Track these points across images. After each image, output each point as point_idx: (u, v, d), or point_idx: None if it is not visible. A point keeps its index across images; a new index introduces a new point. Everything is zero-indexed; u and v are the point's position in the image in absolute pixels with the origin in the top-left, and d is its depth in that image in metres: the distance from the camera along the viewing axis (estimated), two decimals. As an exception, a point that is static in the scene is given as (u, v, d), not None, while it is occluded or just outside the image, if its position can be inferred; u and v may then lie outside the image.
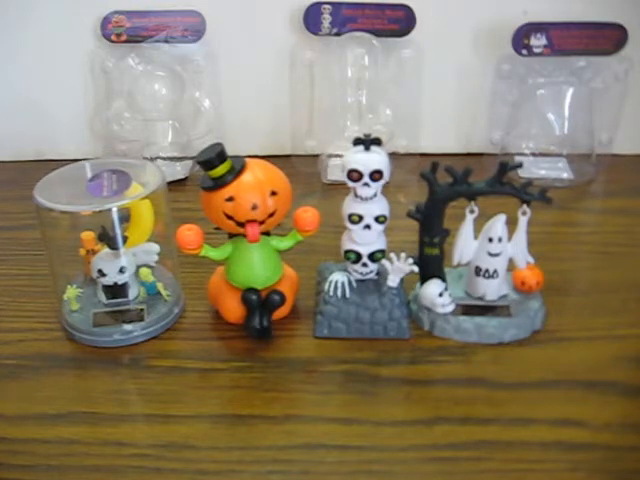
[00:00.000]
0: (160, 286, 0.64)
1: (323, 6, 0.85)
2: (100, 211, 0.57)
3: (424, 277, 0.61)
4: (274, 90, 0.91)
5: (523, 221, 0.59)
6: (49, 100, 0.92)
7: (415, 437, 0.51)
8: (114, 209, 0.57)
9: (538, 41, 0.84)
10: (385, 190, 0.59)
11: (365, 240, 0.60)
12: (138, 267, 0.64)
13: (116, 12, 0.87)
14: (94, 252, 0.63)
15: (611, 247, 0.74)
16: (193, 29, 0.87)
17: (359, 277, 0.62)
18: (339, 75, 0.87)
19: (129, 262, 0.62)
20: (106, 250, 0.61)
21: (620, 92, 0.87)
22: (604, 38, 0.83)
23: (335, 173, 0.87)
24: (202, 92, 0.91)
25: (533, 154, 0.90)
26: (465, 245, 0.60)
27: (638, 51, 0.84)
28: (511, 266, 0.61)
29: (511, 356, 0.58)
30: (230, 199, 0.56)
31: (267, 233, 0.60)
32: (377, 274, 0.62)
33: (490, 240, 0.59)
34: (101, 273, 0.62)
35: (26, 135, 0.95)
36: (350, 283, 0.62)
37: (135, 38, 0.87)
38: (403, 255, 0.59)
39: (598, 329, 0.61)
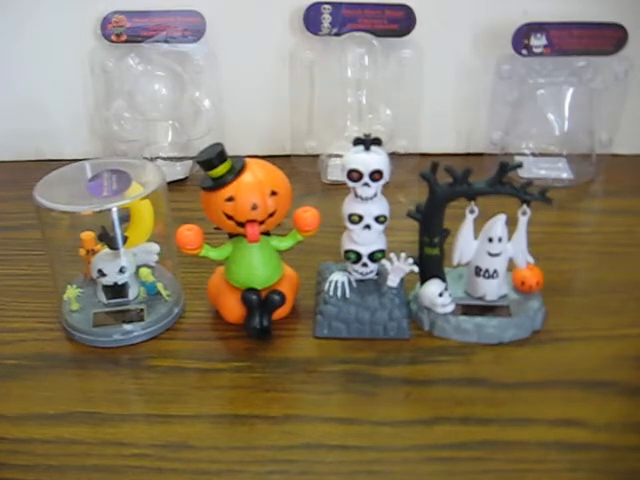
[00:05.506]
0: (160, 286, 0.64)
1: (323, 6, 0.85)
2: (100, 211, 0.57)
3: (424, 277, 0.61)
4: (274, 90, 0.91)
5: (523, 221, 0.59)
6: (49, 100, 0.92)
7: (415, 437, 0.51)
8: (114, 209, 0.57)
9: (538, 41, 0.84)
10: (385, 190, 0.59)
11: (365, 240, 0.60)
12: (138, 267, 0.64)
13: (116, 12, 0.87)
14: (94, 252, 0.63)
15: (611, 247, 0.74)
16: (193, 29, 0.87)
17: (359, 277, 0.62)
18: (339, 75, 0.87)
19: (129, 262, 0.62)
20: (106, 250, 0.61)
21: (620, 92, 0.87)
22: (604, 38, 0.83)
23: (335, 173, 0.87)
24: (202, 92, 0.90)
25: (533, 154, 0.90)
26: (465, 245, 0.60)
27: (638, 51, 0.84)
28: (511, 266, 0.61)
29: (511, 356, 0.58)
30: (230, 199, 0.56)
31: (267, 233, 0.60)
32: (377, 274, 0.62)
33: (490, 240, 0.59)
34: (101, 273, 0.62)
35: (26, 135, 0.95)
36: (350, 283, 0.62)
37: (135, 38, 0.87)
38: (403, 255, 0.59)
39: (598, 329, 0.61)
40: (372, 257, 0.60)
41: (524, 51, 0.84)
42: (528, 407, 0.53)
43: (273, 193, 0.57)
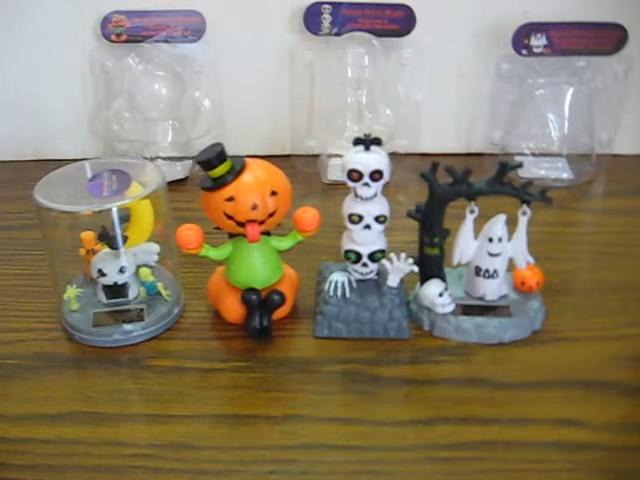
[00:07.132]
0: (160, 286, 0.64)
1: (323, 6, 0.85)
2: (100, 211, 0.57)
3: (424, 277, 0.61)
4: (274, 90, 0.91)
5: (523, 221, 0.59)
6: (49, 100, 0.92)
7: (415, 437, 0.51)
8: (114, 209, 0.57)
9: (538, 41, 0.84)
10: (385, 190, 0.59)
11: (365, 240, 0.60)
12: (138, 267, 0.64)
13: (116, 12, 0.87)
14: (94, 252, 0.63)
15: (611, 247, 0.74)
16: (193, 29, 0.87)
17: (359, 277, 0.62)
18: (339, 75, 0.87)
19: (129, 262, 0.62)
20: (106, 250, 0.61)
21: (620, 92, 0.87)
22: (604, 38, 0.83)
23: (335, 173, 0.87)
24: (202, 92, 0.91)
25: (533, 154, 0.90)
26: (465, 245, 0.60)
27: (638, 51, 0.84)
28: (511, 266, 0.61)
29: (511, 356, 0.58)
30: (230, 199, 0.56)
31: (267, 233, 0.60)
32: (377, 274, 0.62)
33: (490, 240, 0.59)
34: (101, 273, 0.62)
35: (26, 135, 0.95)
36: (350, 283, 0.62)
37: (135, 38, 0.87)
38: (403, 255, 0.59)
39: (598, 329, 0.61)
40: (372, 257, 0.60)
41: (524, 51, 0.84)
42: (528, 407, 0.53)
43: (273, 193, 0.57)
